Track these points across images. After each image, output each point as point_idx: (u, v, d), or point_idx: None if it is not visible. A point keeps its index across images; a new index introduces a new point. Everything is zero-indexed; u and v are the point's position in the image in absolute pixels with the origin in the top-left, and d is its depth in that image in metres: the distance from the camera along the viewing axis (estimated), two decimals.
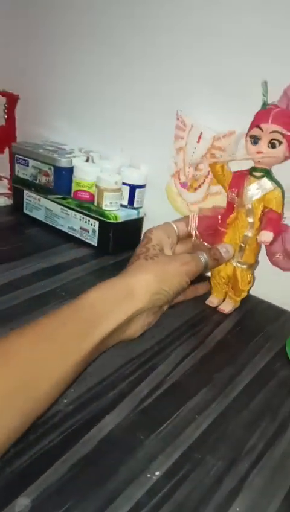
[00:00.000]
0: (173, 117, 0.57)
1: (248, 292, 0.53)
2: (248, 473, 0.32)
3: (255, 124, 0.45)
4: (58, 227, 0.68)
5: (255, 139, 0.45)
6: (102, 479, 0.30)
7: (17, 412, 0.29)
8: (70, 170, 0.64)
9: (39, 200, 0.69)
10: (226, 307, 0.52)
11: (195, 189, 0.57)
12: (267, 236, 0.46)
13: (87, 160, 0.67)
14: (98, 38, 0.66)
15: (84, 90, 0.70)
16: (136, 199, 0.64)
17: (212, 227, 0.51)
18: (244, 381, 0.41)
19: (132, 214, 0.64)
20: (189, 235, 0.49)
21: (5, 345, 0.32)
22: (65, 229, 0.67)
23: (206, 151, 0.54)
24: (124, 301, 0.37)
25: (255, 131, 0.45)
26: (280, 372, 0.43)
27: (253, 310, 0.53)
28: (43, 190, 0.68)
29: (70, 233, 0.66)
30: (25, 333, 0.33)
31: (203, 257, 0.45)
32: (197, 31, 0.55)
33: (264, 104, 0.46)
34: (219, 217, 0.51)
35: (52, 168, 0.65)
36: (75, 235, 0.66)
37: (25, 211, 0.72)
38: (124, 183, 0.63)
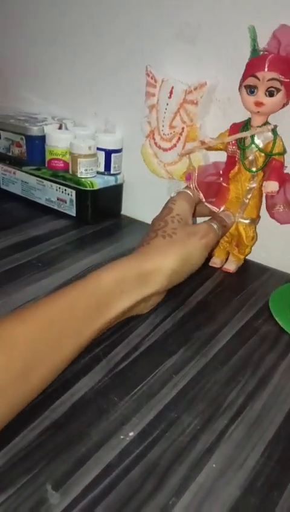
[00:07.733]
0: (144, 76, 0.54)
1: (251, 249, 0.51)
2: (226, 429, 0.31)
3: (249, 73, 0.42)
4: (36, 200, 0.65)
5: (251, 89, 0.43)
6: (72, 443, 0.29)
7: (4, 403, 0.27)
8: (42, 139, 0.62)
9: (14, 173, 0.66)
10: (231, 266, 0.51)
11: (170, 149, 0.54)
12: (273, 186, 0.45)
13: (60, 128, 0.64)
14: (62, 5, 0.62)
15: (52, 58, 0.67)
16: (112, 165, 0.61)
17: (214, 185, 0.49)
18: (224, 338, 0.40)
19: (109, 181, 0.62)
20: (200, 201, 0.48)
21: (5, 332, 0.29)
22: (43, 202, 0.65)
23: (179, 106, 0.52)
24: (138, 285, 0.35)
25: (251, 81, 0.42)
26: (261, 327, 0.41)
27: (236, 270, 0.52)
28: (17, 162, 0.66)
29: (48, 205, 0.64)
30: (28, 320, 0.30)
31: (216, 225, 0.43)
32: None
33: (254, 50, 0.43)
34: (221, 172, 0.48)
35: (23, 137, 0.63)
36: (53, 206, 0.64)
37: (1, 186, 0.70)
38: (98, 149, 0.60)
